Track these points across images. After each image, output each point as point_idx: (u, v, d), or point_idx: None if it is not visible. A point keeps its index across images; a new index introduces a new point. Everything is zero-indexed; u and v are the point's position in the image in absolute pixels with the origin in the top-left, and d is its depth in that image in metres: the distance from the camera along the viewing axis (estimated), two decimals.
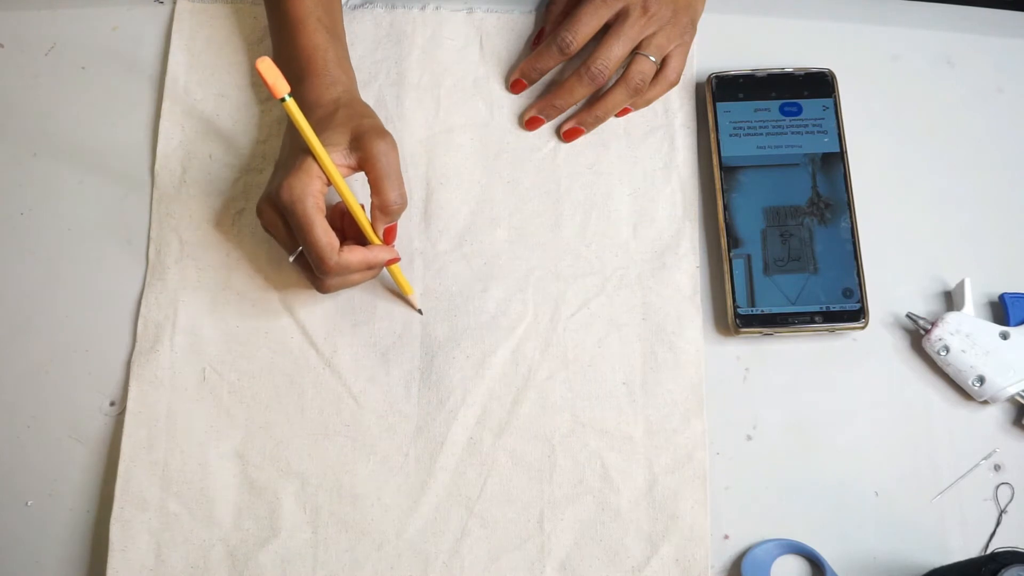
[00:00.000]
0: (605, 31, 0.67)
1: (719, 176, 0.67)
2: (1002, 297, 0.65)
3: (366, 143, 0.58)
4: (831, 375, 0.65)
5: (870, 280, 0.65)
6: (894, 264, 0.67)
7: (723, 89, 0.69)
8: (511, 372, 0.64)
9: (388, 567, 0.60)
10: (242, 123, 0.69)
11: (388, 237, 0.61)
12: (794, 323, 0.64)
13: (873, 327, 0.65)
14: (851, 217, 0.66)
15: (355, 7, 0.71)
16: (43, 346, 0.64)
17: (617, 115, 0.69)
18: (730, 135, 0.68)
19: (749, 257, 0.65)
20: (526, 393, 0.63)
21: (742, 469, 0.63)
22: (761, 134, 0.68)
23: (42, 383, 0.64)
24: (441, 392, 0.63)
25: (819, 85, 0.69)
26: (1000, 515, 0.62)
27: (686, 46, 0.68)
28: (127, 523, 0.60)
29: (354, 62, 0.66)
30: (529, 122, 0.69)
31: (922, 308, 0.66)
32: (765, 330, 0.64)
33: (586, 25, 0.66)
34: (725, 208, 0.66)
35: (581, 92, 0.68)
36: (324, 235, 0.57)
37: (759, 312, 0.64)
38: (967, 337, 0.63)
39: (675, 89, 0.70)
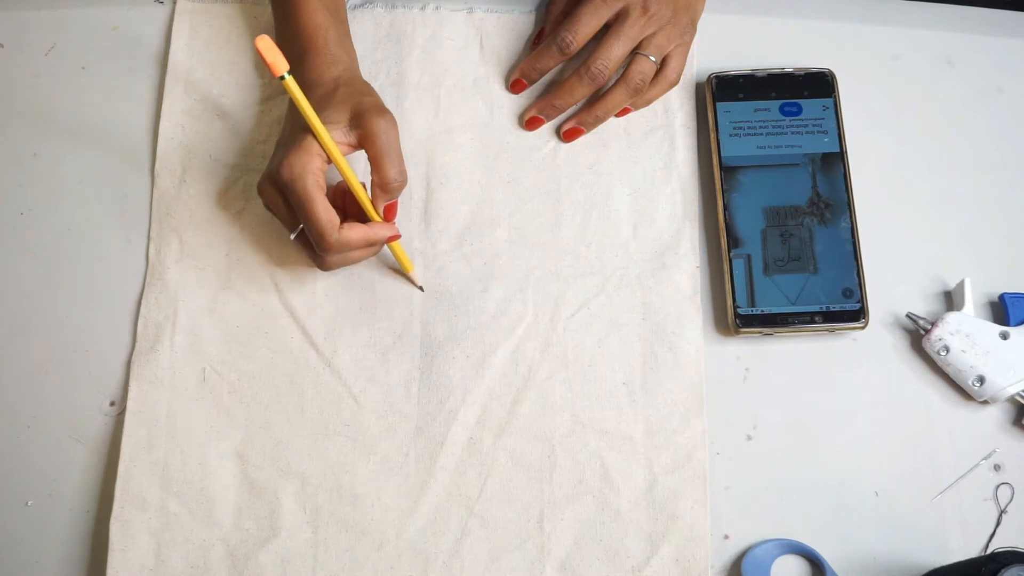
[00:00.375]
0: (605, 31, 0.67)
1: (719, 176, 0.67)
2: (1002, 297, 0.65)
3: (366, 121, 0.58)
4: (831, 375, 0.65)
5: (870, 280, 0.65)
6: (894, 264, 0.67)
7: (723, 89, 0.69)
8: (511, 372, 0.64)
9: (388, 567, 0.60)
10: (242, 123, 0.69)
11: (388, 214, 0.61)
12: (794, 323, 0.64)
13: (873, 327, 0.65)
14: (851, 217, 0.66)
15: (355, 7, 0.71)
16: (43, 346, 0.64)
17: (617, 115, 0.69)
18: (730, 135, 0.68)
19: (749, 257, 0.65)
20: (526, 393, 0.63)
21: (742, 469, 0.63)
22: (761, 134, 0.68)
23: (42, 383, 0.64)
24: (441, 392, 0.63)
25: (819, 85, 0.69)
26: (1000, 515, 0.62)
27: (686, 46, 0.68)
28: (127, 523, 0.60)
29: None
30: (529, 122, 0.69)
31: (922, 308, 0.66)
32: (765, 330, 0.64)
33: (586, 25, 0.66)
34: (725, 208, 0.66)
35: (581, 92, 0.68)
36: (324, 212, 0.57)
37: (759, 312, 0.64)
38: (967, 337, 0.63)
39: (675, 89, 0.70)
